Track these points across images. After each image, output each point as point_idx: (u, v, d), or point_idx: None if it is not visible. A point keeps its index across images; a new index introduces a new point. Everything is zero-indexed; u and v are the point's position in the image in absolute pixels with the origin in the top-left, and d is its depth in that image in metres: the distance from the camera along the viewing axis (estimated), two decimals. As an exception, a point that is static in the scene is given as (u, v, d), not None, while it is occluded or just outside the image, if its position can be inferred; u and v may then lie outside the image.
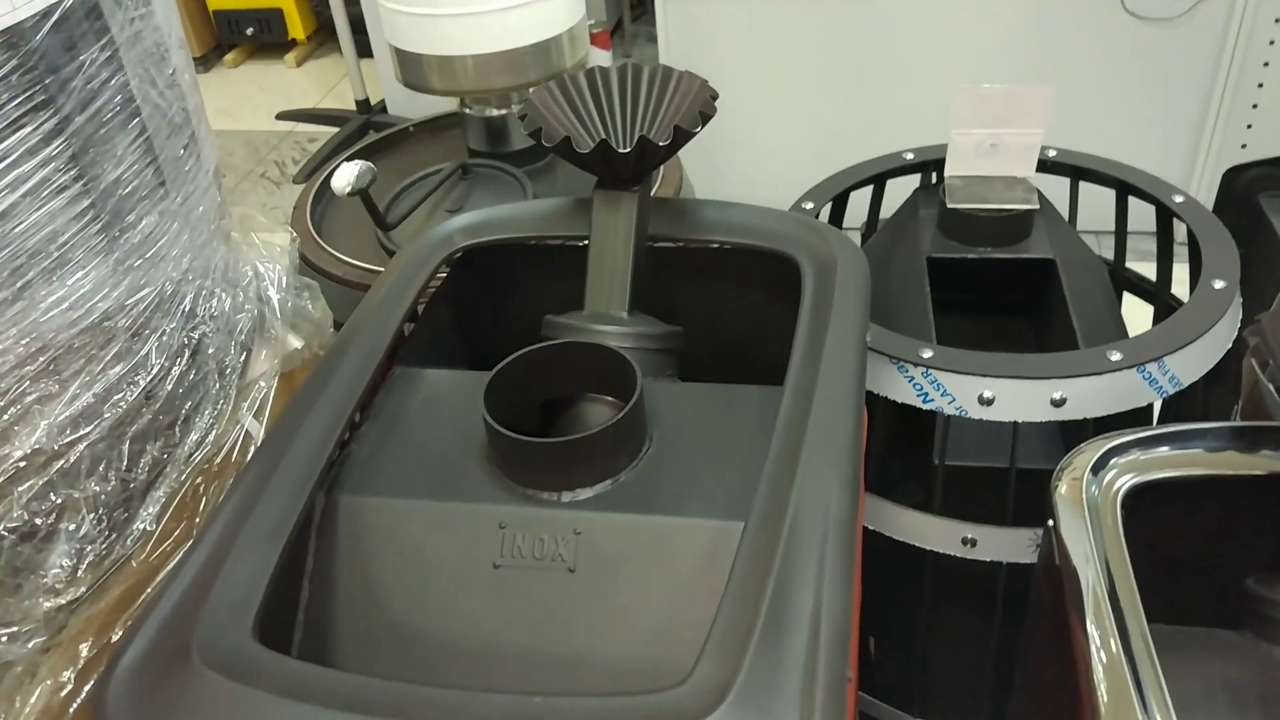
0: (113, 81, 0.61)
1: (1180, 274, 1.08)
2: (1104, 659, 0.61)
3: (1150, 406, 0.90)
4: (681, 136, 0.67)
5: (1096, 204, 1.12)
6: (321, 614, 0.57)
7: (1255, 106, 1.80)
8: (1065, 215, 1.09)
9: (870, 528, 0.93)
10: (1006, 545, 0.89)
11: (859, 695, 1.07)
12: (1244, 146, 1.83)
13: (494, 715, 0.45)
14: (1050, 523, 0.71)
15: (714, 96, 0.69)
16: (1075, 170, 1.10)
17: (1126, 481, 0.70)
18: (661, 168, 1.21)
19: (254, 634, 0.50)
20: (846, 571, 0.50)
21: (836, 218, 1.12)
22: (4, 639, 0.64)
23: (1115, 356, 0.82)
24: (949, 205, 1.02)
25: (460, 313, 0.79)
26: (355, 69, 2.47)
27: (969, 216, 1.01)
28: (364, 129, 2.53)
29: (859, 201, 1.14)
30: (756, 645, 0.46)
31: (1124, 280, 1.14)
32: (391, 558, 0.58)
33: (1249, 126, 1.82)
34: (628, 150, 0.66)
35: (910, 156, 1.13)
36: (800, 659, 0.45)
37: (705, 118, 0.68)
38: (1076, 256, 1.04)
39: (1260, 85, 1.77)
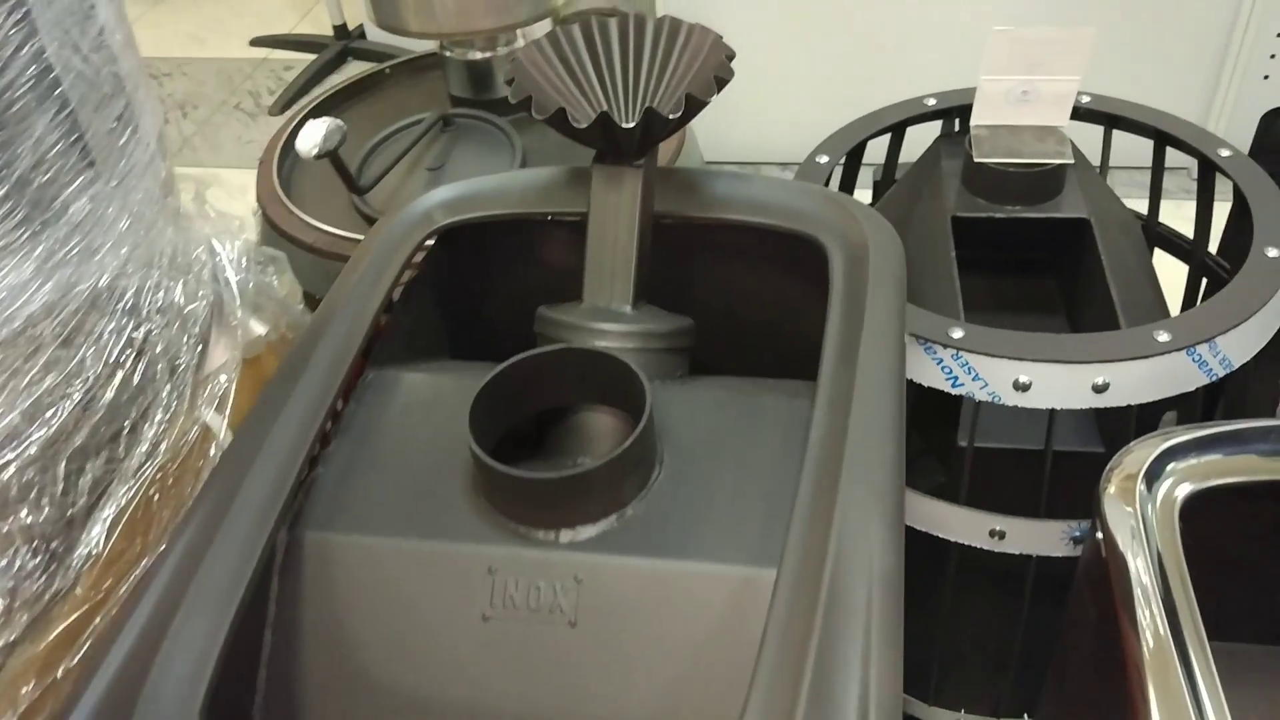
0: (25, 50, 0.51)
1: (1193, 213, 1.01)
2: (1165, 684, 0.56)
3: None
4: (694, 106, 0.58)
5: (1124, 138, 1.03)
6: (285, 669, 0.50)
7: (1281, 36, 1.70)
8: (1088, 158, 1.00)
9: (891, 518, 0.87)
10: (1038, 538, 0.83)
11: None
12: (1266, 77, 1.73)
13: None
14: (1099, 532, 0.64)
15: (730, 56, 0.60)
16: (1110, 118, 1.01)
17: (1185, 490, 0.63)
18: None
19: (203, 716, 0.43)
20: (895, 641, 0.43)
21: (851, 169, 1.04)
22: (-64, 684, 0.57)
23: (1163, 337, 0.75)
24: (976, 159, 0.93)
25: (441, 296, 0.71)
26: (331, -8, 2.33)
27: (996, 172, 0.93)
28: (341, 56, 2.41)
29: (874, 152, 1.05)
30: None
31: (1157, 236, 1.06)
32: (364, 606, 0.51)
33: (1272, 57, 1.72)
34: (632, 125, 0.57)
35: (932, 103, 1.03)
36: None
37: (721, 83, 0.59)
38: (1111, 215, 0.96)
39: (1289, 13, 1.67)
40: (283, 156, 1.03)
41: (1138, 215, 1.05)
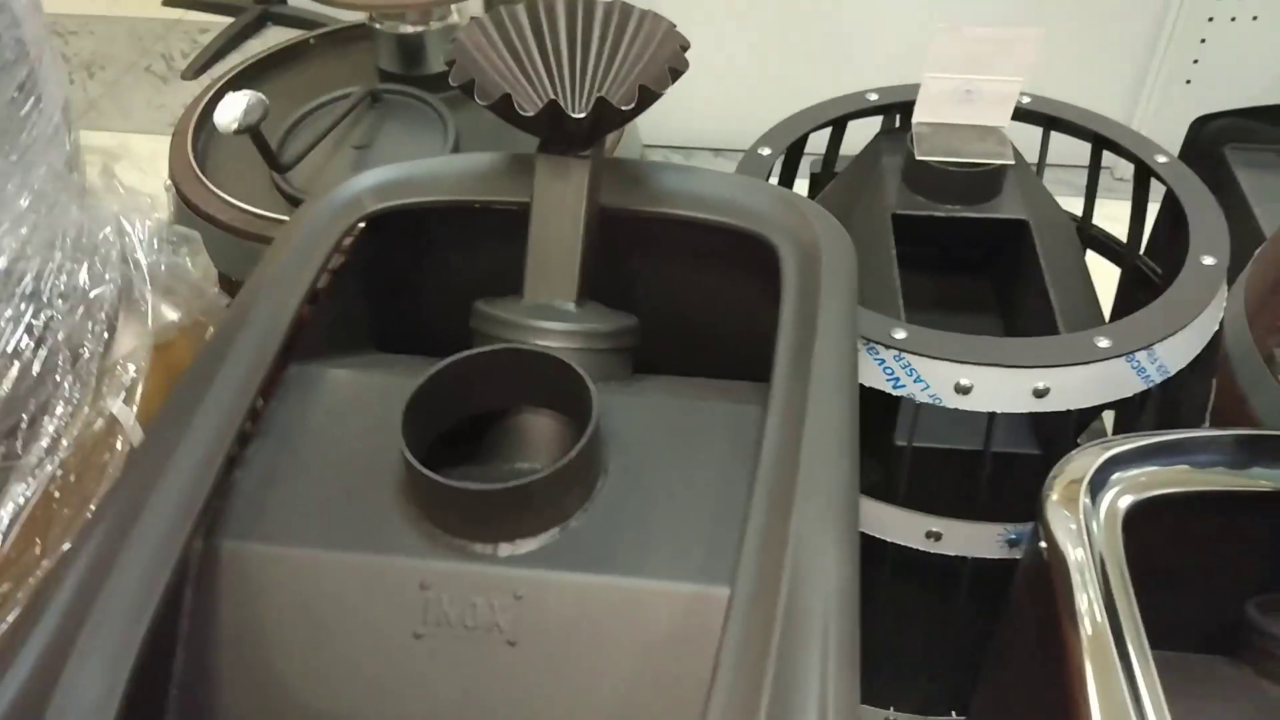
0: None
1: (1114, 210, 1.02)
2: (1107, 687, 0.56)
3: (1131, 393, 0.84)
4: (647, 97, 0.55)
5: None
6: (199, 689, 0.47)
7: (1203, 41, 1.73)
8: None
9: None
10: (974, 540, 0.83)
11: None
12: (1188, 82, 1.77)
13: None
14: (1041, 540, 0.64)
15: (685, 47, 0.57)
16: (1048, 120, 1.02)
17: (1128, 500, 0.63)
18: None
19: None
20: (852, 661, 0.42)
21: (791, 161, 1.02)
22: None
23: (1103, 344, 0.75)
24: (917, 156, 0.93)
25: (368, 285, 0.67)
26: (250, -47, 2.23)
27: (937, 170, 0.92)
28: (260, 20, 2.31)
29: (812, 143, 1.04)
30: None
31: (1090, 238, 1.07)
32: (285, 622, 0.47)
33: (1195, 62, 1.76)
34: (582, 115, 0.54)
35: (874, 98, 1.02)
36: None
37: (675, 74, 0.56)
38: (1048, 216, 0.97)
39: (1210, 19, 1.71)
40: (198, 128, 0.97)
41: (1072, 216, 1.05)
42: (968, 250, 1.01)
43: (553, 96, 0.55)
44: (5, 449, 0.56)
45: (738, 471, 0.50)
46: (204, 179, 0.89)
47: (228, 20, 2.31)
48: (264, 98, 0.77)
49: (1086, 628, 0.58)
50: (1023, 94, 1.00)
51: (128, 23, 2.39)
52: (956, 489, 0.84)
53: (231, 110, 0.75)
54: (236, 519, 0.49)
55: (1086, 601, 0.59)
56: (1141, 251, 1.02)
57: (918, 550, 0.85)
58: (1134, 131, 0.98)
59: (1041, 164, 1.05)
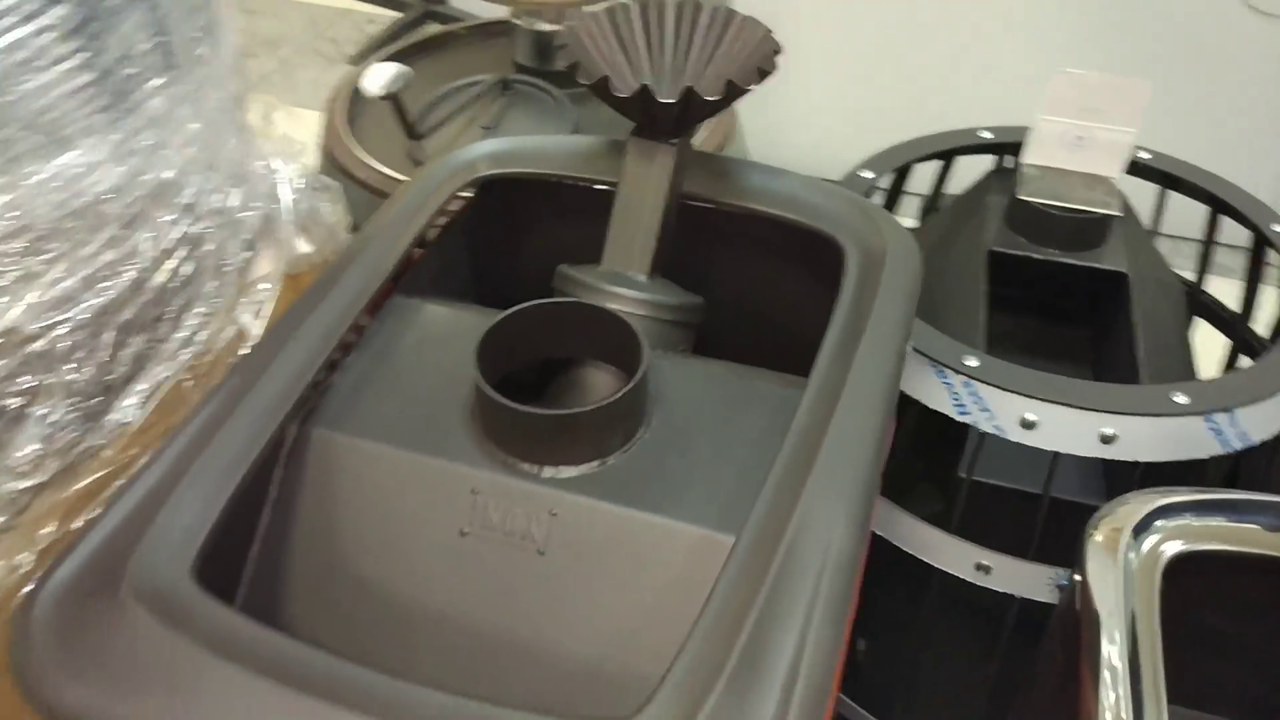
0: (120, -50, 0.55)
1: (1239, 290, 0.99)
2: None
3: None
4: (734, 92, 0.60)
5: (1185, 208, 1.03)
6: (277, 546, 0.54)
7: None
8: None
9: (879, 534, 0.88)
10: (1023, 579, 0.82)
11: (838, 696, 1.03)
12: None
13: (427, 714, 0.41)
14: (1078, 577, 0.64)
15: (776, 51, 0.62)
16: (1165, 177, 1.01)
17: (1172, 549, 0.62)
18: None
19: (194, 573, 0.46)
20: (837, 621, 0.45)
21: (896, 189, 1.05)
22: (-38, 516, 0.61)
23: (1180, 399, 0.74)
24: (1020, 196, 0.93)
25: (474, 243, 0.74)
26: (421, -47, 2.38)
27: (1040, 212, 0.92)
28: (423, 17, 2.45)
29: (921, 184, 1.06)
30: (722, 690, 0.41)
31: (1201, 305, 1.04)
32: (356, 503, 0.54)
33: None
34: (671, 101, 0.60)
35: (987, 135, 1.04)
36: (769, 714, 0.41)
37: (763, 74, 0.61)
38: (1152, 273, 0.95)
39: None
40: (352, 98, 1.07)
41: (1185, 281, 1.03)
42: (1066, 299, 1.01)
43: (646, 82, 0.60)
44: (151, 334, 0.65)
45: (770, 445, 0.54)
46: (349, 139, 0.98)
47: (395, 15, 2.47)
48: (409, 70, 0.85)
49: (1106, 672, 0.57)
50: (1143, 149, 1.00)
51: (306, 8, 2.58)
52: (1016, 529, 0.83)
53: (379, 78, 0.83)
54: (328, 412, 0.56)
55: (1110, 644, 0.58)
56: (1261, 329, 0.99)
57: (966, 583, 0.85)
58: (1253, 197, 0.96)
59: (1157, 221, 1.04)
